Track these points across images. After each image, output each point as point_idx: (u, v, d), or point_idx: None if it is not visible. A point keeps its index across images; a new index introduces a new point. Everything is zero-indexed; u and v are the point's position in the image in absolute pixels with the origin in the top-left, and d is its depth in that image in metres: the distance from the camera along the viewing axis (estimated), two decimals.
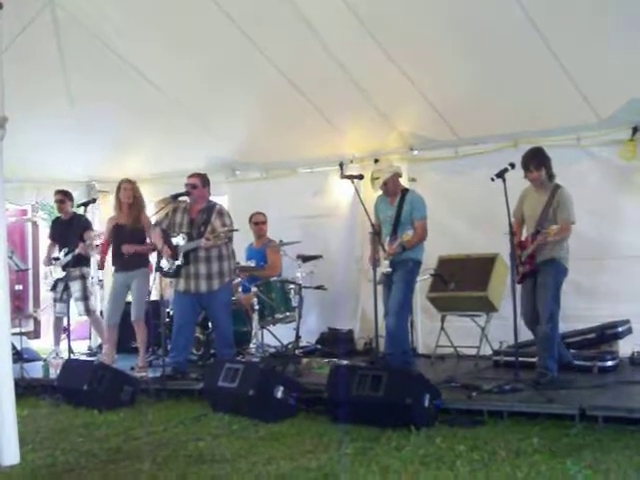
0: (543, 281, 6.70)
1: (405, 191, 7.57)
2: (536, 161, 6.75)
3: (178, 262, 7.89)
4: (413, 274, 7.44)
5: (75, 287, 9.21)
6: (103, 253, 8.98)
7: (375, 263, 7.21)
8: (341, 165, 9.56)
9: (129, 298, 8.70)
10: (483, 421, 5.82)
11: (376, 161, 9.22)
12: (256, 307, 8.50)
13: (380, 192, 7.63)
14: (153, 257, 8.57)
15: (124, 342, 9.33)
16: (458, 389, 6.56)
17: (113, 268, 8.77)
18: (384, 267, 7.25)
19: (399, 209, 7.42)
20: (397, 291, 7.30)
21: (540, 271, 6.73)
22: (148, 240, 8.53)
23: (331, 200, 9.88)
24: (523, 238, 6.92)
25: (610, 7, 6.45)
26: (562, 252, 6.73)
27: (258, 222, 9.65)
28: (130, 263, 8.45)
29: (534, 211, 6.81)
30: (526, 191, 6.98)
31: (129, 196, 8.55)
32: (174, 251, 7.90)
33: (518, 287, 6.77)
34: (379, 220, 7.65)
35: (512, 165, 6.62)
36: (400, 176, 7.67)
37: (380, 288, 7.36)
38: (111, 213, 9.14)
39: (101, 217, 11.03)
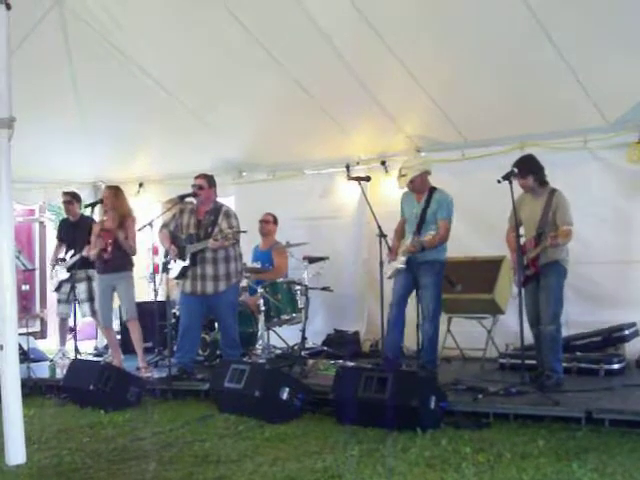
0: (546, 283, 6.71)
1: (433, 189, 7.51)
2: (522, 169, 6.75)
3: (185, 263, 7.90)
4: (442, 275, 7.44)
5: (81, 288, 9.23)
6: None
7: (385, 260, 7.17)
8: (347, 167, 9.57)
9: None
10: (489, 423, 5.83)
11: (383, 163, 9.25)
12: (262, 308, 8.50)
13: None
14: (152, 259, 8.62)
15: (128, 343, 9.35)
16: (464, 391, 6.57)
17: (96, 271, 8.79)
18: (400, 263, 7.23)
19: (425, 208, 7.40)
20: (430, 297, 7.28)
21: (543, 273, 6.72)
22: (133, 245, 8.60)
23: (337, 202, 9.88)
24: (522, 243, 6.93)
25: (618, 10, 6.43)
26: (563, 254, 6.74)
27: (263, 220, 9.65)
28: (114, 266, 8.45)
29: (532, 215, 6.80)
30: (521, 197, 6.96)
31: (106, 204, 8.62)
32: (181, 251, 7.92)
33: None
34: (404, 216, 7.63)
35: (512, 166, 6.64)
36: (429, 174, 7.58)
37: (390, 280, 7.36)
38: None
39: None
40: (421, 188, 7.50)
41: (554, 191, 6.77)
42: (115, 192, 8.73)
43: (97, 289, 8.80)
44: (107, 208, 8.65)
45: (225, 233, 7.64)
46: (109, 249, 8.37)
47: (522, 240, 6.81)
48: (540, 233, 6.68)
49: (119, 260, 8.47)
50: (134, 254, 8.64)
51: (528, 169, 6.78)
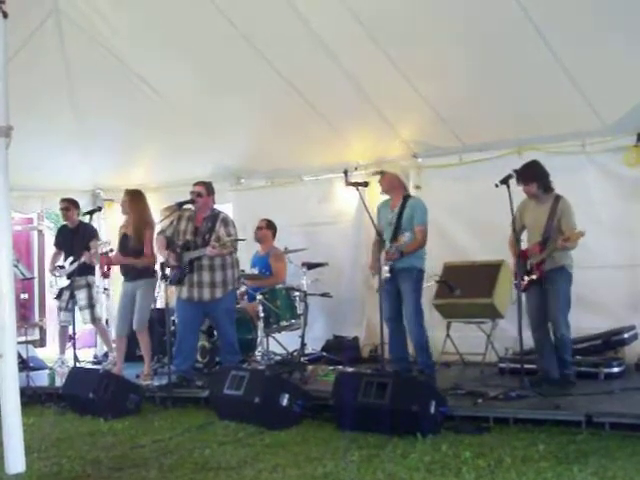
0: (555, 288, 6.76)
1: (407, 197, 7.56)
2: (526, 176, 6.82)
3: (183, 270, 7.91)
4: (420, 282, 7.45)
5: (80, 295, 9.21)
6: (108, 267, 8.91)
7: (377, 270, 7.18)
8: (345, 172, 9.57)
9: None
10: (489, 428, 5.82)
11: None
12: (261, 315, 8.49)
13: (384, 197, 7.65)
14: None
15: (129, 351, 9.34)
16: (464, 396, 6.56)
17: (122, 277, 8.77)
18: (384, 272, 7.23)
19: (400, 215, 7.43)
20: (410, 303, 7.31)
21: (550, 279, 6.77)
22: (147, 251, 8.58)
23: (336, 207, 9.89)
24: (523, 248, 6.96)
25: (615, 12, 6.45)
26: (569, 260, 6.82)
27: (256, 227, 9.60)
28: (135, 273, 8.46)
29: (537, 221, 6.86)
30: (524, 203, 7.02)
31: (123, 208, 8.66)
32: (179, 257, 7.93)
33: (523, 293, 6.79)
34: (381, 226, 7.65)
35: (516, 171, 6.64)
36: (397, 179, 7.59)
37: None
38: (117, 221, 9.16)
39: (107, 225, 11.09)
40: (386, 188, 7.56)
41: (559, 197, 6.82)
42: (131, 197, 8.70)
43: (120, 295, 8.78)
44: (123, 212, 8.68)
45: (223, 241, 7.63)
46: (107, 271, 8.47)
47: (524, 245, 6.83)
48: (546, 238, 6.72)
49: (140, 267, 8.48)
50: (153, 263, 8.64)
51: (532, 176, 6.82)
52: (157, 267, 8.56)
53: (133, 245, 8.46)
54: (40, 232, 15.30)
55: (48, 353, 11.87)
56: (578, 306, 7.39)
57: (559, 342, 6.82)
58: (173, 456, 5.55)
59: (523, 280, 6.85)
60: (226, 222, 7.99)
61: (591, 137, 7.92)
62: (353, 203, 9.36)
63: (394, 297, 7.42)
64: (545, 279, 6.78)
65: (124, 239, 8.59)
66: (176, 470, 5.18)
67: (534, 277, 6.78)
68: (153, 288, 8.60)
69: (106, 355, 9.94)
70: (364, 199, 7.48)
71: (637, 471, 4.55)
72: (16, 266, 8.06)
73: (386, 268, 7.24)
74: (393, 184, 7.56)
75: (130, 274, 8.52)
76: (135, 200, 8.70)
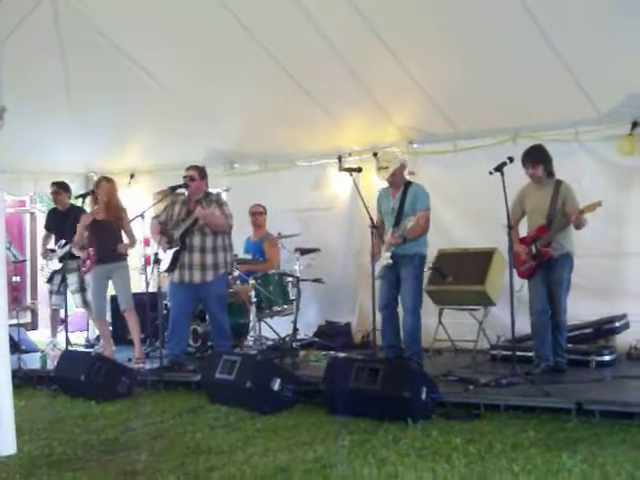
0: (559, 275, 6.88)
1: (408, 183, 7.55)
2: (532, 158, 6.90)
3: (175, 248, 7.91)
4: (421, 269, 7.46)
5: (72, 279, 9.21)
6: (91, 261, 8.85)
7: (375, 257, 7.17)
8: (339, 158, 9.56)
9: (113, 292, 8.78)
10: (480, 414, 5.85)
11: (375, 154, 9.21)
12: (254, 299, 8.50)
13: (385, 183, 7.63)
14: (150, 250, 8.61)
15: (120, 334, 9.35)
16: (455, 382, 6.59)
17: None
18: (385, 259, 7.23)
19: (402, 201, 7.41)
20: (410, 289, 7.31)
21: (555, 265, 6.88)
22: (126, 238, 8.63)
23: (330, 193, 9.88)
24: (523, 235, 6.99)
25: (611, 1, 6.45)
26: (573, 246, 6.93)
27: (255, 212, 9.66)
28: (110, 256, 8.45)
29: (539, 205, 6.93)
30: (525, 189, 7.06)
31: (105, 194, 8.58)
32: (170, 237, 7.93)
33: (516, 281, 6.79)
34: (381, 214, 7.63)
35: (511, 159, 6.63)
36: (405, 168, 7.67)
37: (378, 281, 7.34)
38: None
39: None
40: (400, 181, 7.54)
41: (560, 181, 6.92)
42: (112, 185, 8.70)
43: (91, 279, 8.77)
44: (102, 199, 8.61)
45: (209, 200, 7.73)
46: (87, 263, 8.54)
47: (522, 233, 6.90)
48: (550, 221, 6.81)
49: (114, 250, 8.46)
50: (133, 246, 8.67)
51: (539, 158, 6.92)
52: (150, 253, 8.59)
53: (113, 229, 8.47)
54: (32, 215, 15.25)
55: (39, 336, 11.86)
56: (570, 293, 7.44)
57: (557, 327, 6.93)
58: (164, 440, 5.57)
59: (527, 265, 6.93)
60: (220, 203, 7.98)
61: (585, 125, 7.95)
62: (347, 189, 9.37)
63: (392, 285, 7.42)
64: (552, 264, 6.86)
65: (97, 224, 8.52)
66: (167, 453, 5.19)
67: (541, 260, 6.86)
68: (128, 269, 8.64)
69: (98, 338, 9.93)
70: (358, 185, 7.48)
71: (626, 458, 4.57)
72: (8, 249, 8.03)
73: (387, 254, 7.24)
74: (402, 174, 7.57)
75: (106, 257, 8.48)
76: (114, 188, 8.72)
